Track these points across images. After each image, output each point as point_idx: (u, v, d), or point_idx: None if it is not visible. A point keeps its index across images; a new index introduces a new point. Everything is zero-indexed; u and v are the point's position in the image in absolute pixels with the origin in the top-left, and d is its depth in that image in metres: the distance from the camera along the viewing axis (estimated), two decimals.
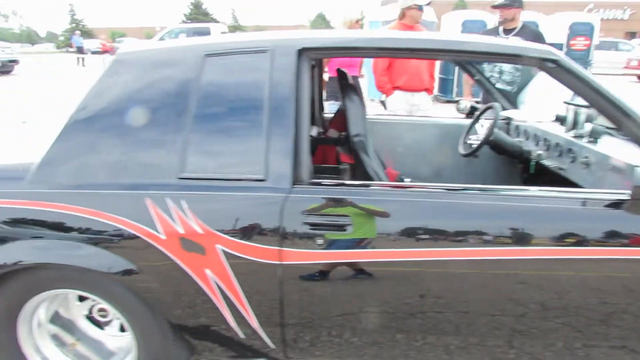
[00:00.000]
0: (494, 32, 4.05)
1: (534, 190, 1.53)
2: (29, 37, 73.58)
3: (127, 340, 1.76)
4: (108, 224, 1.50)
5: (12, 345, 1.71)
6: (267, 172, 1.49)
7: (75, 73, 17.45)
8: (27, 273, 1.58)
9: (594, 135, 2.02)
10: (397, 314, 1.55)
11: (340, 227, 1.48)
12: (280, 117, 1.50)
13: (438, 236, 1.46)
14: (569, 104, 2.18)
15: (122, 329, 1.82)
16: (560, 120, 2.25)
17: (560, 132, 2.22)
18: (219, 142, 1.52)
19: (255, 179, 1.50)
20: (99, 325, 1.87)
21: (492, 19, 10.03)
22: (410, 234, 1.47)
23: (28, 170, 1.57)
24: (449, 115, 3.44)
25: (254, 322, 1.58)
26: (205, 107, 1.53)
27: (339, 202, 1.49)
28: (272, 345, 1.65)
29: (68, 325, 1.86)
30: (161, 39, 15.62)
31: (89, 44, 24.28)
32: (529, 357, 1.59)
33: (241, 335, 1.62)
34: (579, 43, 10.57)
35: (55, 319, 1.82)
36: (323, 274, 1.51)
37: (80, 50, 21.85)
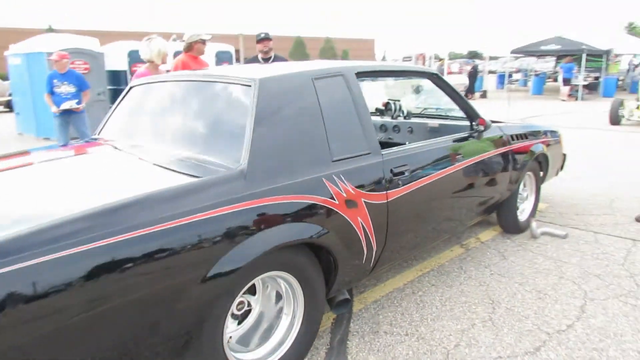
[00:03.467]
0: (255, 60, 5.34)
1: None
2: None
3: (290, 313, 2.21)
4: (305, 203, 2.05)
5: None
6: (370, 148, 2.39)
7: None
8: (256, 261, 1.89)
9: (409, 116, 3.72)
10: (435, 215, 2.77)
11: (403, 173, 2.54)
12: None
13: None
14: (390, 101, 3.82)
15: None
16: (381, 112, 3.88)
17: (388, 119, 3.83)
18: (343, 139, 2.29)
19: (364, 154, 2.36)
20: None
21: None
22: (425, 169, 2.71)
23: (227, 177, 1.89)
24: None
25: (374, 245, 2.42)
26: (330, 120, 2.27)
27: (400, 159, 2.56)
28: (369, 267, 2.50)
29: None
30: None
31: None
32: None
33: (363, 261, 2.41)
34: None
35: None
36: (403, 202, 2.53)
37: None
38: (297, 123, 2.16)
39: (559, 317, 2.73)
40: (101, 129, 2.94)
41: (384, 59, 60.56)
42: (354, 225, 2.26)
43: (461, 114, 3.45)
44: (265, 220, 1.90)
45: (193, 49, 4.71)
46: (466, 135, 3.20)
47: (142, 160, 2.26)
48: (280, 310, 2.22)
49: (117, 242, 1.52)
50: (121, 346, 1.60)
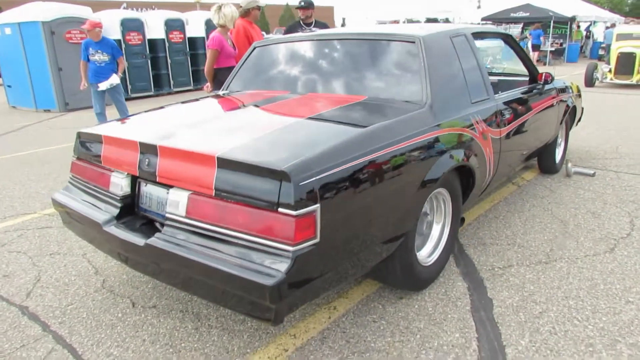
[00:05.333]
0: (298, 25, 5.73)
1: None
2: None
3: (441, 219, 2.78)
4: (464, 134, 2.61)
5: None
6: (489, 94, 2.96)
7: None
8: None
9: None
10: (518, 151, 3.38)
11: (504, 115, 3.13)
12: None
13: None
14: None
15: None
16: None
17: None
18: (474, 85, 2.84)
19: (486, 98, 2.93)
20: None
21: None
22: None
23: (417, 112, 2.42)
24: None
25: (492, 171, 3.01)
26: (465, 68, 2.81)
27: (504, 104, 3.14)
28: (483, 189, 3.10)
29: None
30: None
31: None
32: None
33: (483, 183, 3.00)
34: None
35: None
36: (506, 138, 3.13)
37: None
38: (450, 70, 2.70)
39: (617, 229, 3.44)
40: (229, 84, 3.36)
41: (343, 25, 60.71)
42: (485, 154, 2.84)
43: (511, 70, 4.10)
44: (447, 145, 2.46)
45: (250, 15, 5.07)
46: (534, 86, 3.81)
47: (341, 102, 2.62)
48: (426, 217, 2.75)
49: (380, 155, 2.04)
50: (382, 221, 2.13)
